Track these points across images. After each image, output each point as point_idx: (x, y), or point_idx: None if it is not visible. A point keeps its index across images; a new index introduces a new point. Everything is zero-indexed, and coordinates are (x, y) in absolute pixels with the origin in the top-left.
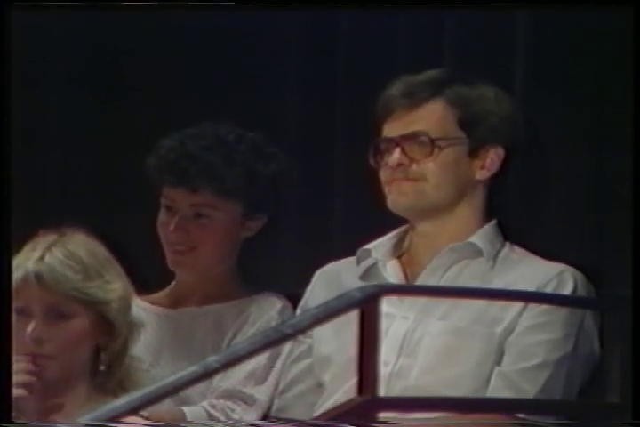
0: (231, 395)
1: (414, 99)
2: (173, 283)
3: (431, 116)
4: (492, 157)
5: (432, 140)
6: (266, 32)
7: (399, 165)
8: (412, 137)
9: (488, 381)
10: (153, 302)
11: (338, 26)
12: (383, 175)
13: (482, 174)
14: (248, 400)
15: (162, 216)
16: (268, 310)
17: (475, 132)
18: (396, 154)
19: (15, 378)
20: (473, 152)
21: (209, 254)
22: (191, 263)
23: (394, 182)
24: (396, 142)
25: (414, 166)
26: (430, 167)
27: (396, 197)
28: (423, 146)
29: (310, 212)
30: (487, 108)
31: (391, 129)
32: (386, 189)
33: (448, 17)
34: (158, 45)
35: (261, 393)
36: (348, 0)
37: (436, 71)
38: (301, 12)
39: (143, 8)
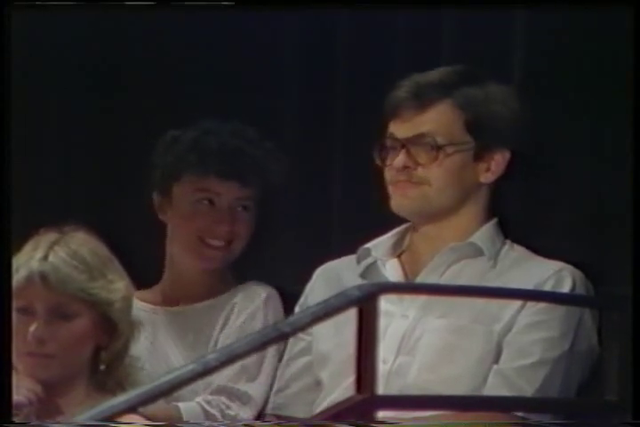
0: (224, 391)
1: (422, 100)
2: (163, 280)
3: (439, 119)
4: (498, 160)
5: (439, 146)
6: (265, 32)
7: (404, 167)
8: (419, 140)
9: (487, 379)
10: (143, 300)
11: (338, 26)
12: (387, 175)
13: (487, 177)
14: (242, 397)
15: (198, 209)
16: (253, 300)
17: (481, 136)
18: (402, 156)
19: (16, 395)
20: (478, 155)
21: (239, 249)
22: (223, 258)
23: (398, 184)
24: (402, 144)
25: (419, 170)
26: (435, 172)
27: (400, 200)
28: (429, 150)
29: (310, 211)
30: (495, 110)
31: (398, 129)
32: (390, 189)
33: (447, 17)
34: (158, 45)
35: (255, 390)
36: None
37: (445, 71)
38: (301, 11)
39: (143, 8)
